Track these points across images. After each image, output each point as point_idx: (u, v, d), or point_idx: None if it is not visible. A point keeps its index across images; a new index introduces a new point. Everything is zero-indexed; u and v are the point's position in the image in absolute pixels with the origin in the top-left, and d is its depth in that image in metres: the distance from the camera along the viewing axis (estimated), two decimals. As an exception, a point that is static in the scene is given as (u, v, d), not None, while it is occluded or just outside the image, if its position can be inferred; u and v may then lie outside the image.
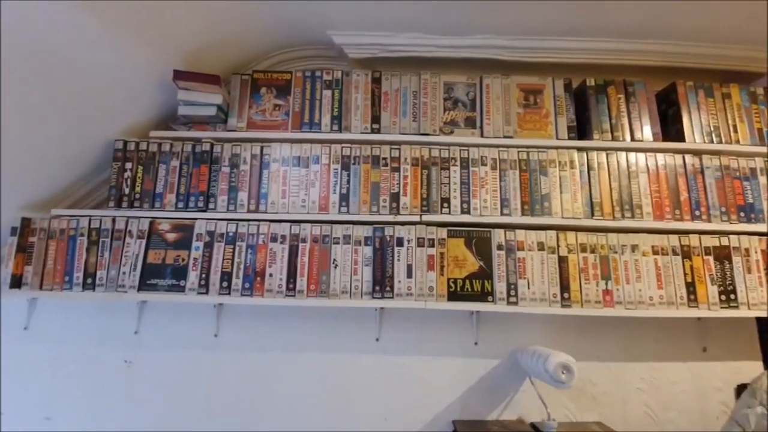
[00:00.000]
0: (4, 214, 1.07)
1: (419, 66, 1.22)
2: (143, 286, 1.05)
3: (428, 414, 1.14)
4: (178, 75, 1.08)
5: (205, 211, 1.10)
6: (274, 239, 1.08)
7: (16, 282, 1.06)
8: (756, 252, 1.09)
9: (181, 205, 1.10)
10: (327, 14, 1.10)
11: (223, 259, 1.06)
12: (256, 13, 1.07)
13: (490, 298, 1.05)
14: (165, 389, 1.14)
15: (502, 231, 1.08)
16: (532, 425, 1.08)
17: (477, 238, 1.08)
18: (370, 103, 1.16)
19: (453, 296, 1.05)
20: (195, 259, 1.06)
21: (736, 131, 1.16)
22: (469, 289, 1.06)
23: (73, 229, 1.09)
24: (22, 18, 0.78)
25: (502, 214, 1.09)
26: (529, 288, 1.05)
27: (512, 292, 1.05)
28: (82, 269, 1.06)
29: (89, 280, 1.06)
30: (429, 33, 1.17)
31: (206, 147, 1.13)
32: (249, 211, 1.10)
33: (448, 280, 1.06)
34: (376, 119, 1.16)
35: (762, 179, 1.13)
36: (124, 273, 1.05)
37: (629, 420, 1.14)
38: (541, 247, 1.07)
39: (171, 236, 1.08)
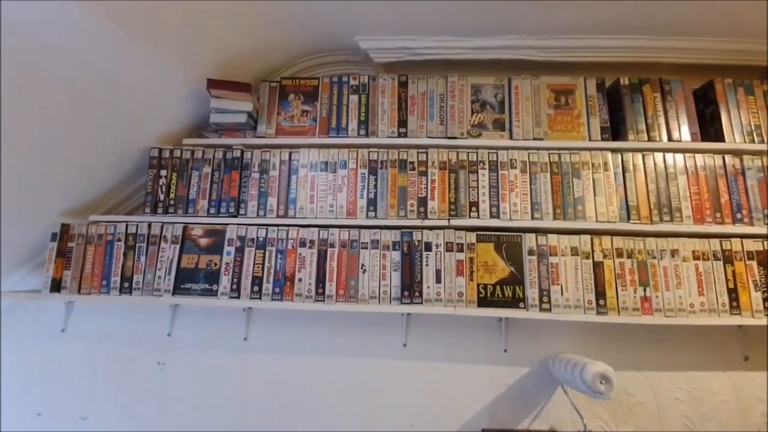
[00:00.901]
0: (44, 220, 1.11)
1: (445, 68, 1.21)
2: (177, 290, 1.07)
3: (456, 421, 1.12)
4: (212, 84, 1.10)
5: (236, 216, 1.12)
6: (302, 244, 1.09)
7: (56, 286, 1.10)
8: (803, 256, 1.03)
9: (213, 210, 1.12)
10: (354, 20, 1.11)
11: (254, 264, 1.07)
12: (286, 21, 1.08)
13: (521, 304, 1.03)
14: (196, 390, 1.17)
15: (533, 235, 1.06)
16: (566, 435, 1.05)
17: (507, 243, 1.06)
18: (397, 107, 1.16)
19: (483, 302, 1.03)
20: (227, 263, 1.07)
21: (778, 130, 1.11)
22: (500, 295, 1.04)
23: (110, 234, 1.12)
24: (63, 32, 0.81)
25: (533, 218, 1.07)
26: (562, 294, 1.02)
27: (545, 299, 1.02)
28: (119, 273, 1.09)
29: (126, 284, 1.09)
30: (456, 35, 1.16)
31: (237, 153, 1.15)
32: (278, 216, 1.11)
33: (478, 285, 1.04)
34: (402, 123, 1.15)
35: (807, 180, 1.07)
36: (159, 277, 1.08)
37: None
38: (574, 252, 1.04)
39: (203, 241, 1.10)
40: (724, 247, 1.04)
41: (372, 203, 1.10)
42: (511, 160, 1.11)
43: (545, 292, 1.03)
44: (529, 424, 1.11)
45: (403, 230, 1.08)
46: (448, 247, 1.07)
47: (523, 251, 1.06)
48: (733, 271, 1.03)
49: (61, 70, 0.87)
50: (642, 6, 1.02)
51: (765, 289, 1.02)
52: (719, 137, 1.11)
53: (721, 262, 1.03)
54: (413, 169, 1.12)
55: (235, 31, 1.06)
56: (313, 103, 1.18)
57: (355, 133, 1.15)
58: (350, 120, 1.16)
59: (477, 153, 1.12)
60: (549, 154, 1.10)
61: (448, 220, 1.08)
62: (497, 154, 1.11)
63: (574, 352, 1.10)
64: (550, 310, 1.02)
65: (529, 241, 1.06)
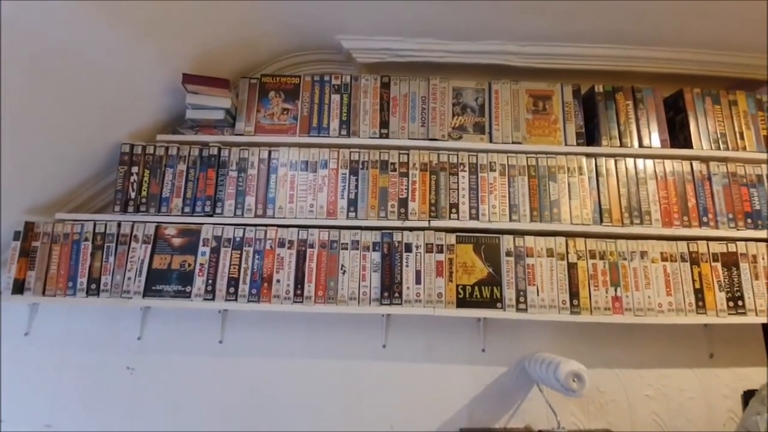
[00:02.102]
0: (7, 218, 1.05)
1: (428, 71, 1.22)
2: (148, 291, 1.03)
3: (435, 421, 1.13)
4: (188, 78, 1.07)
5: (212, 215, 1.09)
6: (281, 244, 1.07)
7: (19, 287, 1.04)
8: (763, 258, 1.09)
9: (187, 209, 1.08)
10: (336, 19, 1.10)
11: (230, 265, 1.05)
12: (266, 17, 1.07)
13: (499, 305, 1.04)
14: (169, 396, 1.13)
15: (511, 237, 1.08)
16: (541, 433, 1.07)
17: (486, 245, 1.08)
18: (379, 108, 1.16)
19: (462, 303, 1.04)
20: (201, 264, 1.04)
21: (742, 138, 1.17)
22: (478, 296, 1.05)
23: (77, 233, 1.07)
24: (27, 17, 0.77)
25: (510, 220, 1.09)
26: (538, 295, 1.04)
27: (521, 299, 1.04)
28: (87, 274, 1.05)
29: (93, 286, 1.04)
30: (439, 38, 1.17)
31: (214, 151, 1.12)
32: (256, 216, 1.09)
33: (457, 286, 1.05)
34: (384, 124, 1.15)
35: (768, 186, 1.13)
36: (129, 278, 1.04)
37: (637, 428, 1.13)
38: (550, 253, 1.07)
39: (177, 241, 1.06)
40: (690, 249, 1.08)
41: (353, 204, 1.10)
42: (490, 162, 1.13)
43: (522, 293, 1.05)
44: (507, 422, 1.13)
45: (383, 231, 1.08)
46: (428, 248, 1.07)
47: (501, 252, 1.07)
48: (699, 273, 1.07)
49: (22, 55, 0.81)
50: (618, 16, 1.06)
51: (729, 289, 1.07)
52: (688, 144, 1.16)
53: (687, 264, 1.07)
54: (394, 170, 1.12)
55: (214, 26, 1.03)
56: (294, 102, 1.16)
57: (337, 132, 1.15)
58: (332, 119, 1.15)
59: (458, 155, 1.13)
60: (527, 157, 1.13)
61: (429, 221, 1.09)
62: (477, 156, 1.13)
63: (550, 351, 1.12)
64: (526, 310, 1.04)
65: (507, 242, 1.07)
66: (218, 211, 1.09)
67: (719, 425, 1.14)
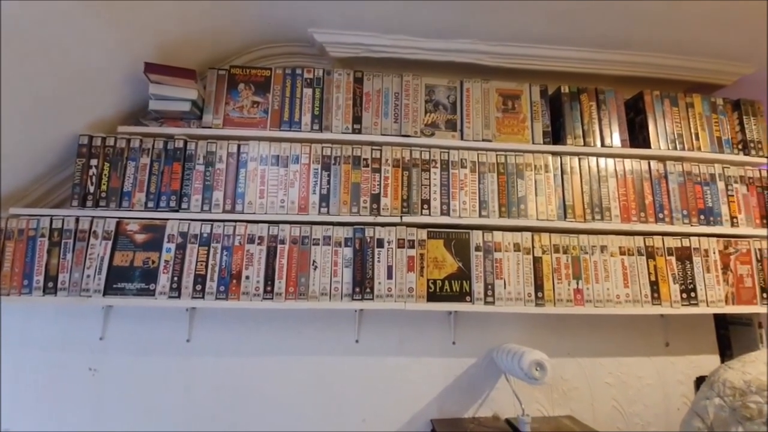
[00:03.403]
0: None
1: (401, 67, 1.22)
2: (109, 290, 0.99)
3: (407, 414, 1.14)
4: (150, 68, 1.03)
5: (177, 211, 1.06)
6: (251, 240, 1.05)
7: (-33, 286, 0.98)
8: (714, 253, 1.16)
9: (151, 204, 1.05)
10: (310, 12, 1.09)
11: (197, 262, 1.02)
12: (237, 7, 1.04)
13: (468, 298, 1.07)
14: (133, 398, 1.09)
15: (480, 232, 1.10)
16: (507, 421, 1.10)
17: (456, 240, 1.10)
18: (352, 103, 1.16)
19: (432, 297, 1.06)
20: (166, 261, 1.01)
21: (697, 139, 1.24)
22: (448, 290, 1.07)
23: (32, 229, 1.02)
24: None
25: (480, 215, 1.11)
26: (505, 288, 1.08)
27: (489, 292, 1.07)
28: (43, 272, 1.00)
29: (50, 284, 0.99)
30: (412, 35, 1.18)
31: (179, 144, 1.08)
32: (225, 212, 1.06)
33: (428, 281, 1.07)
34: (357, 119, 1.15)
35: (720, 184, 1.21)
36: (88, 276, 1.00)
37: (598, 414, 1.19)
38: (517, 248, 1.10)
39: (140, 237, 1.03)
40: (647, 244, 1.14)
41: (325, 199, 1.09)
42: (461, 159, 1.14)
43: (490, 286, 1.07)
44: (475, 411, 1.16)
45: (355, 227, 1.08)
46: (400, 244, 1.08)
47: (470, 247, 1.09)
48: (655, 266, 1.13)
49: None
50: (585, 20, 1.09)
51: (682, 281, 1.13)
52: (646, 144, 1.22)
53: (644, 258, 1.13)
54: (367, 165, 1.12)
55: (179, 12, 0.99)
56: (264, 95, 1.14)
57: (309, 127, 1.13)
58: (304, 114, 1.14)
59: (430, 152, 1.14)
60: (497, 155, 1.15)
61: (401, 217, 1.10)
62: (449, 153, 1.14)
63: (517, 342, 1.16)
64: (494, 303, 1.07)
65: (477, 237, 1.10)
66: (184, 206, 1.06)
67: (674, 410, 1.21)
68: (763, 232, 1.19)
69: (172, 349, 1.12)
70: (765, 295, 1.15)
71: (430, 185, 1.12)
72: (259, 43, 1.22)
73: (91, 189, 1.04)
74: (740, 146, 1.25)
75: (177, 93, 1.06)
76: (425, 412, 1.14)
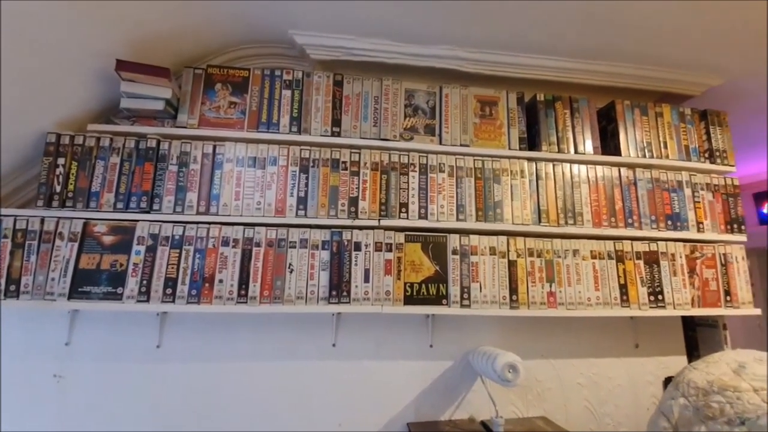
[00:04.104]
0: None
1: (381, 71, 1.23)
2: (75, 293, 0.96)
3: (383, 418, 1.14)
4: (122, 65, 1.00)
5: (148, 212, 1.03)
6: (225, 243, 1.03)
7: None
8: (681, 257, 1.21)
9: (120, 205, 1.02)
10: (290, 13, 1.08)
11: (168, 264, 1.00)
12: (215, 5, 1.02)
13: (444, 301, 1.08)
14: (101, 406, 1.05)
15: (457, 236, 1.12)
16: (482, 423, 1.12)
17: (433, 243, 1.11)
18: (331, 106, 1.16)
19: (409, 300, 1.07)
20: (135, 264, 0.99)
21: (666, 147, 1.29)
22: (425, 293, 1.08)
23: (-9, 230, 0.98)
24: None
25: (457, 219, 1.13)
26: (481, 291, 1.09)
27: (465, 296, 1.08)
28: (5, 275, 0.95)
29: (12, 287, 0.95)
30: (393, 40, 1.19)
31: (152, 143, 1.06)
32: (199, 213, 1.04)
33: (405, 284, 1.07)
34: (336, 122, 1.15)
35: (687, 191, 1.26)
36: (52, 279, 0.96)
37: (571, 414, 1.21)
38: (492, 251, 1.12)
39: (108, 239, 1.00)
40: (617, 248, 1.18)
41: (302, 202, 1.09)
42: (440, 164, 1.16)
43: (466, 290, 1.09)
44: (452, 414, 1.17)
45: (333, 230, 1.08)
46: (377, 247, 1.08)
47: (447, 251, 1.11)
48: (624, 269, 1.17)
49: None
50: (562, 30, 1.12)
51: (650, 285, 1.17)
52: (617, 151, 1.26)
53: (614, 261, 1.17)
54: (345, 169, 1.12)
55: (154, 8, 0.96)
56: (242, 95, 1.13)
57: (287, 129, 1.13)
58: (282, 115, 1.13)
59: (408, 156, 1.15)
60: (474, 160, 1.17)
61: (379, 220, 1.10)
62: (427, 157, 1.16)
63: (493, 345, 1.17)
64: (470, 306, 1.08)
65: (454, 241, 1.11)
66: (155, 207, 1.03)
67: (644, 410, 1.25)
68: (727, 237, 1.25)
69: (142, 355, 1.09)
70: (728, 298, 1.20)
71: (408, 189, 1.13)
72: (239, 43, 1.21)
73: (58, 189, 1.00)
74: (707, 155, 1.31)
75: (150, 91, 1.04)
76: (402, 416, 1.15)
